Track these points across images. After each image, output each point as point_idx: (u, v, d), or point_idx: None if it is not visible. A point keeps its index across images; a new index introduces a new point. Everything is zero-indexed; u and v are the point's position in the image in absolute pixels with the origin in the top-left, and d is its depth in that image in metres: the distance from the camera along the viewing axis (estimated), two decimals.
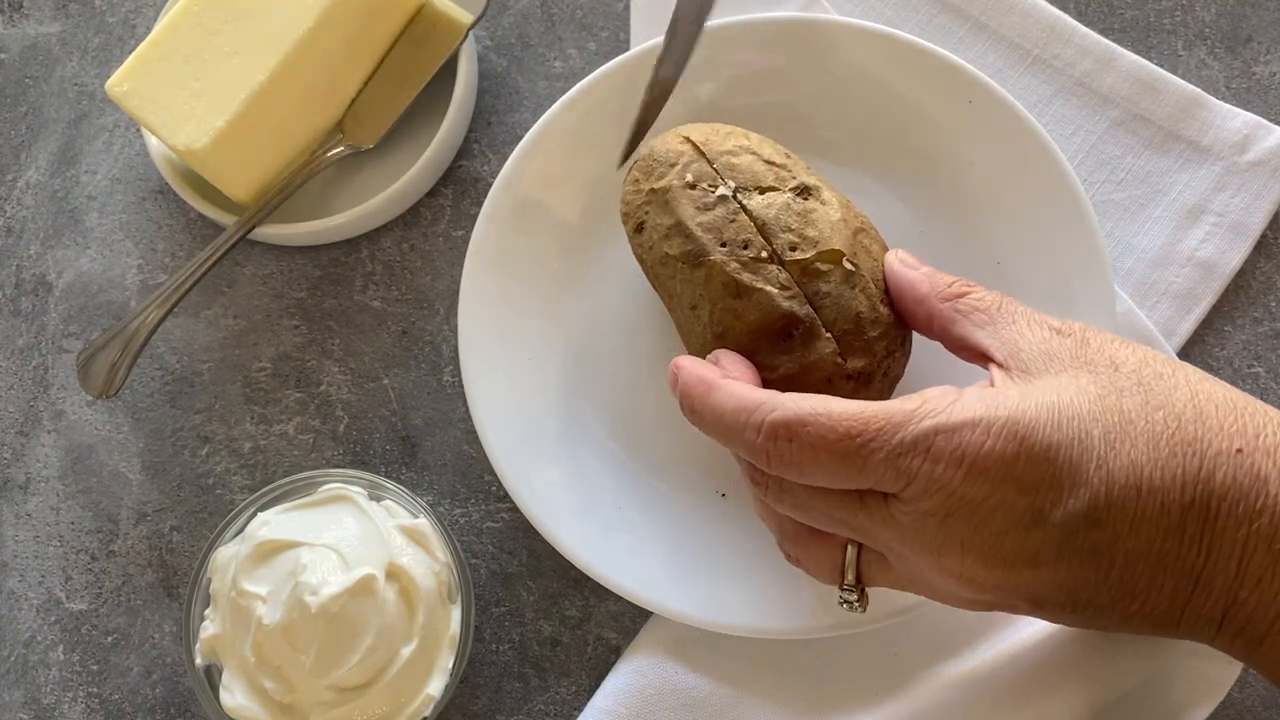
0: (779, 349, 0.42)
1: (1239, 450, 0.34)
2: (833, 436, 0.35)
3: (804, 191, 0.44)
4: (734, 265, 0.43)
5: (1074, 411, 0.34)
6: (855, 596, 0.39)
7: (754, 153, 0.45)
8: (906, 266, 0.43)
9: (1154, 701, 0.44)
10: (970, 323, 0.40)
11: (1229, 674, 0.45)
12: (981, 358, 0.39)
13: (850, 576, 0.39)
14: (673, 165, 0.45)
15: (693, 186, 0.44)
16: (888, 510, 0.36)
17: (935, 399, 0.36)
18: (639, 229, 0.46)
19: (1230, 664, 0.45)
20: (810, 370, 0.42)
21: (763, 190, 0.44)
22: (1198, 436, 0.34)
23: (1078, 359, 0.37)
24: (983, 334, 0.39)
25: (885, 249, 0.45)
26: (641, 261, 0.47)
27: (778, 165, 0.45)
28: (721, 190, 0.44)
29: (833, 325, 0.42)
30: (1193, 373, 0.37)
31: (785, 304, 0.42)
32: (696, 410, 0.39)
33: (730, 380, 0.39)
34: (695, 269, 0.44)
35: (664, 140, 0.46)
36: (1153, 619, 0.35)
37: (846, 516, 0.37)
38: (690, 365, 0.40)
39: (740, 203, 0.44)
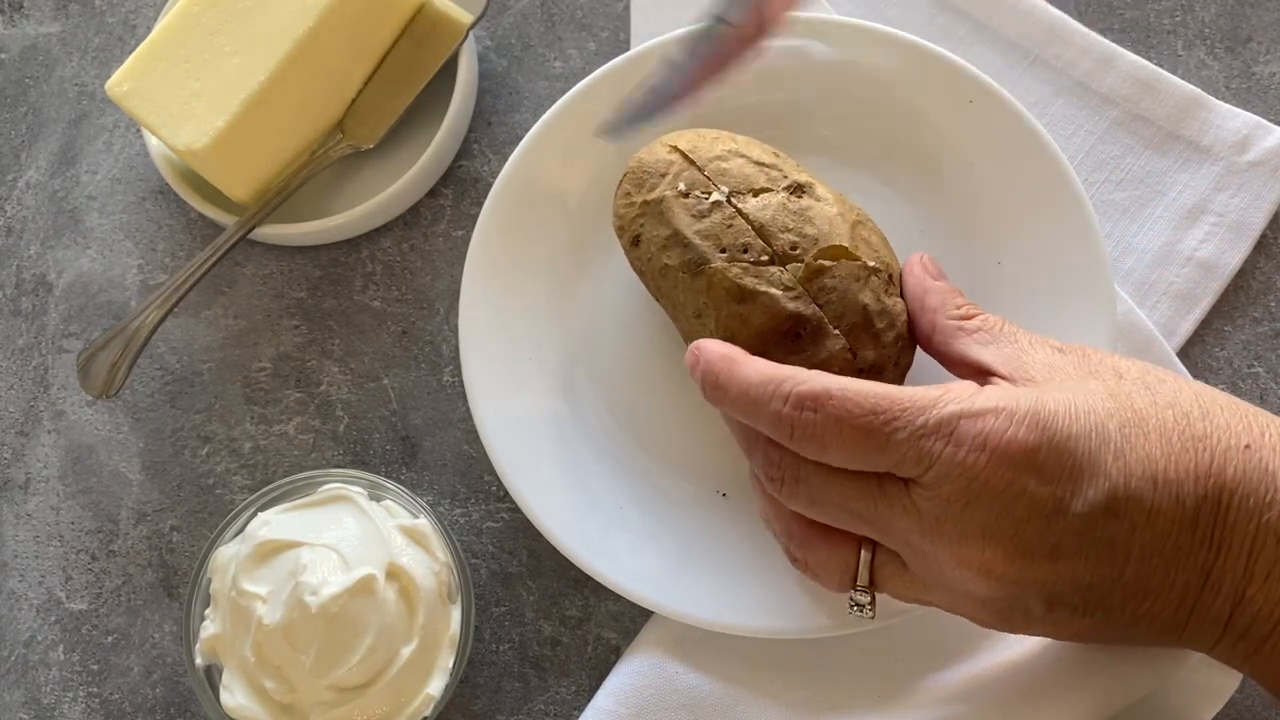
0: (788, 350, 0.42)
1: (1247, 446, 0.34)
2: (858, 411, 0.36)
3: (798, 189, 0.44)
4: (735, 270, 0.43)
5: (1090, 407, 0.35)
6: (868, 599, 0.39)
7: (743, 155, 0.45)
8: (927, 273, 0.43)
9: (1155, 710, 0.44)
10: (973, 340, 0.40)
11: (1229, 684, 0.45)
12: (980, 374, 0.39)
13: (865, 577, 0.39)
14: (663, 175, 0.45)
15: (686, 195, 0.44)
16: (908, 497, 0.36)
17: (959, 388, 0.36)
18: (635, 242, 0.46)
19: (1230, 673, 0.45)
20: (821, 369, 0.42)
21: (756, 192, 0.44)
22: (1207, 433, 0.35)
23: (1081, 369, 0.38)
24: (985, 351, 0.40)
25: (884, 240, 0.45)
26: (640, 274, 0.47)
27: (768, 165, 0.45)
28: (715, 196, 0.44)
29: (840, 321, 0.42)
30: (1191, 380, 0.38)
31: (790, 305, 0.42)
32: (721, 385, 0.39)
33: (754, 357, 0.40)
34: (696, 277, 0.44)
35: (652, 151, 0.46)
36: (1160, 620, 0.35)
37: (864, 508, 0.37)
38: (713, 344, 0.41)
39: (735, 207, 0.44)
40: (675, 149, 0.46)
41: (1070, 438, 0.34)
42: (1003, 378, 0.38)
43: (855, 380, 0.37)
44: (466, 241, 0.51)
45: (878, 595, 0.40)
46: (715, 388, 0.40)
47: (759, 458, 0.40)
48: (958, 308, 0.42)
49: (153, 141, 0.55)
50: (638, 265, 0.46)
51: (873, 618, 0.40)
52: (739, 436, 0.41)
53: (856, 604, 0.39)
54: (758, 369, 0.39)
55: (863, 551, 0.39)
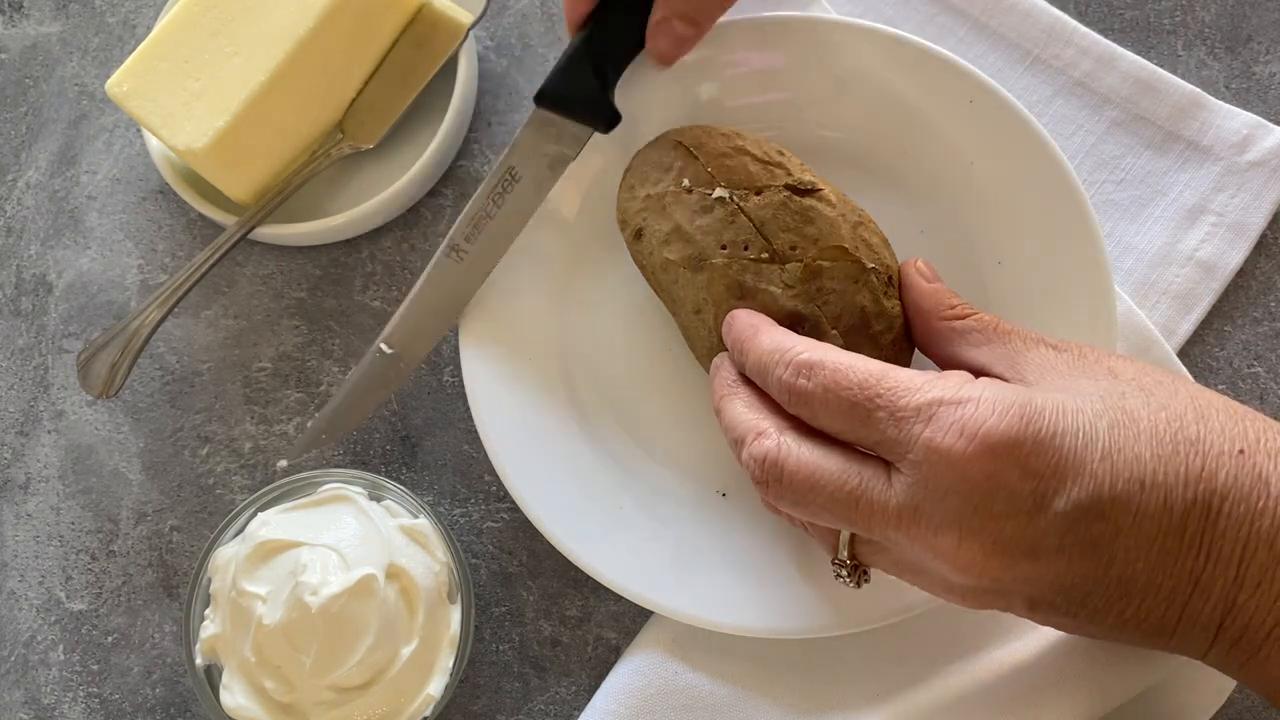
0: None
1: (1241, 451, 0.34)
2: (845, 383, 0.37)
3: (801, 189, 0.44)
4: (736, 268, 0.43)
5: (1079, 406, 0.35)
6: (847, 573, 0.40)
7: (748, 153, 0.45)
8: (921, 277, 0.44)
9: (1156, 709, 0.44)
10: (967, 342, 0.41)
11: (1230, 680, 0.45)
12: (976, 375, 0.39)
13: (844, 553, 0.39)
14: (667, 170, 0.45)
15: (689, 191, 0.44)
16: (888, 482, 0.36)
17: (950, 376, 0.37)
18: (637, 235, 0.46)
19: None
20: None
21: (759, 190, 0.44)
22: (1200, 436, 0.34)
23: (1075, 369, 0.37)
24: (979, 352, 0.40)
25: (884, 241, 0.45)
26: (642, 268, 0.47)
27: (772, 164, 0.45)
28: (718, 193, 0.44)
29: (838, 321, 0.43)
30: (1189, 381, 0.37)
31: (789, 303, 0.42)
32: (744, 351, 0.41)
33: (776, 326, 0.42)
34: (697, 273, 0.44)
35: (657, 145, 0.46)
36: (1147, 625, 0.35)
37: (846, 510, 0.37)
38: (743, 313, 0.43)
39: (737, 204, 0.44)
40: (680, 144, 0.46)
41: (1055, 434, 0.34)
42: (997, 377, 0.38)
43: (852, 355, 0.38)
44: None
45: (874, 592, 0.40)
46: (739, 353, 0.41)
47: (746, 457, 0.40)
48: (951, 308, 0.42)
49: (153, 141, 0.55)
50: (639, 259, 0.46)
51: (857, 587, 0.40)
52: (728, 436, 0.41)
53: (839, 574, 0.40)
54: (772, 336, 0.40)
55: (842, 531, 0.39)
